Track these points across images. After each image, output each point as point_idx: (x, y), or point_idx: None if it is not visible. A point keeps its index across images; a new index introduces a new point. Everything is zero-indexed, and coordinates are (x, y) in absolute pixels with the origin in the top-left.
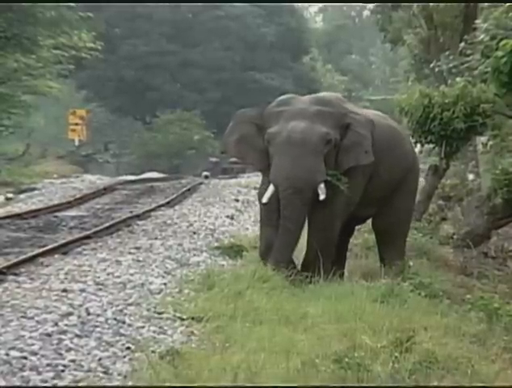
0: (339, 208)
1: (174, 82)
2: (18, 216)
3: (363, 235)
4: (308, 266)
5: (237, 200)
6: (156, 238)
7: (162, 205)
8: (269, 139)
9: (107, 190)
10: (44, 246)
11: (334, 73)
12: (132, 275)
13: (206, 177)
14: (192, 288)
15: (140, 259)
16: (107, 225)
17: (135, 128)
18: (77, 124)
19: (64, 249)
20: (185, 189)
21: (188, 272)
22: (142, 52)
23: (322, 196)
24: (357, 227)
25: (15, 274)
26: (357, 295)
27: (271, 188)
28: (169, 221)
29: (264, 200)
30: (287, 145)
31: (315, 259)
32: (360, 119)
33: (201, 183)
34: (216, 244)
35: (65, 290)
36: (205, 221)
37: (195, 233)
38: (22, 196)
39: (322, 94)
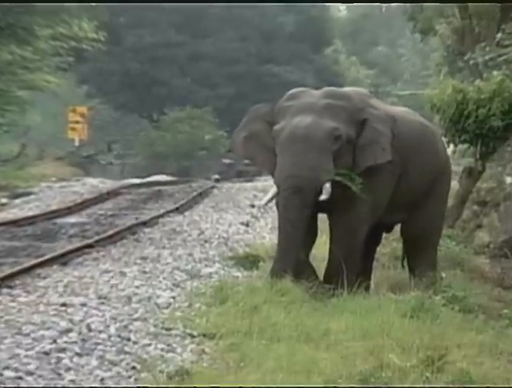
0: (364, 213)
1: (183, 76)
2: (13, 223)
3: (391, 244)
4: (330, 277)
5: (253, 206)
6: (164, 248)
7: (171, 211)
8: (274, 136)
9: (110, 194)
10: (41, 255)
11: (359, 66)
12: (137, 287)
13: (217, 180)
14: (204, 302)
15: (147, 270)
16: (110, 233)
17: (141, 126)
18: (77, 123)
19: (63, 259)
20: (196, 194)
21: (199, 284)
22: (149, 44)
23: (323, 197)
24: (384, 235)
25: (10, 287)
26: (384, 309)
27: (273, 190)
28: (178, 229)
29: (262, 202)
30: (289, 142)
31: (338, 269)
32: (378, 114)
33: (213, 187)
34: (229, 254)
35: (64, 304)
36: (218, 229)
37: (206, 241)
38: (17, 201)
39: (345, 89)
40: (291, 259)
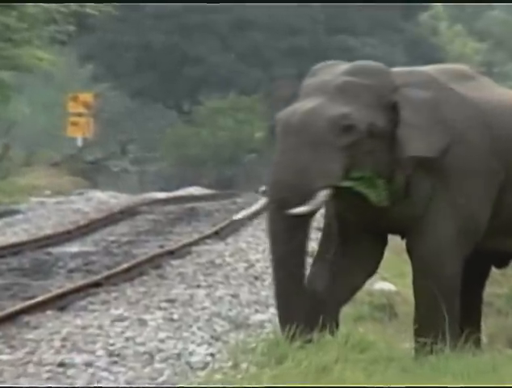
0: (451, 236)
1: (225, 51)
2: None
3: (510, 281)
4: (423, 327)
5: (320, 229)
6: (198, 286)
7: (208, 237)
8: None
9: (124, 214)
10: (30, 297)
11: (466, 37)
12: (162, 341)
13: (264, 193)
14: (253, 362)
15: (175, 317)
16: (124, 266)
17: (166, 120)
18: (80, 115)
19: (61, 302)
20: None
21: (247, 336)
22: (177, 8)
23: (304, 209)
24: (501, 270)
25: None
26: (501, 371)
27: (261, 202)
28: (218, 261)
29: (237, 216)
30: (281, 136)
31: (432, 316)
32: (415, 95)
33: None
34: None
35: (62, 364)
36: None
37: (257, 278)
38: None
39: (436, 66)
40: (294, 308)
